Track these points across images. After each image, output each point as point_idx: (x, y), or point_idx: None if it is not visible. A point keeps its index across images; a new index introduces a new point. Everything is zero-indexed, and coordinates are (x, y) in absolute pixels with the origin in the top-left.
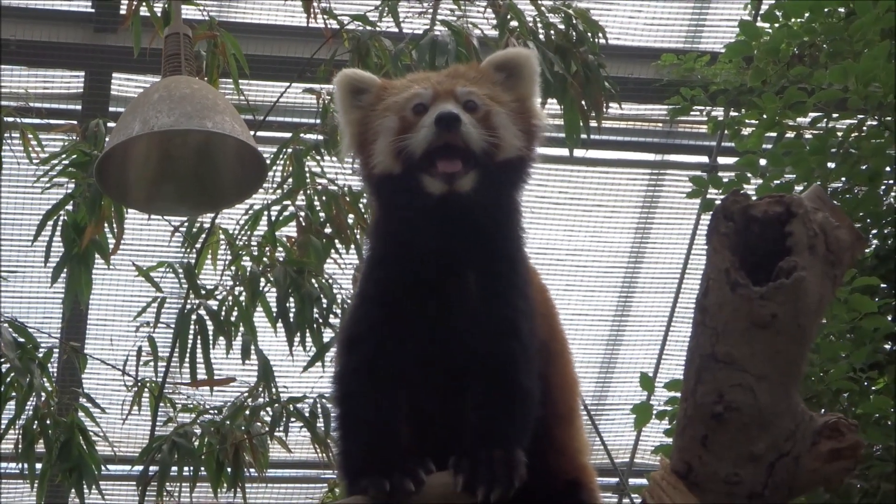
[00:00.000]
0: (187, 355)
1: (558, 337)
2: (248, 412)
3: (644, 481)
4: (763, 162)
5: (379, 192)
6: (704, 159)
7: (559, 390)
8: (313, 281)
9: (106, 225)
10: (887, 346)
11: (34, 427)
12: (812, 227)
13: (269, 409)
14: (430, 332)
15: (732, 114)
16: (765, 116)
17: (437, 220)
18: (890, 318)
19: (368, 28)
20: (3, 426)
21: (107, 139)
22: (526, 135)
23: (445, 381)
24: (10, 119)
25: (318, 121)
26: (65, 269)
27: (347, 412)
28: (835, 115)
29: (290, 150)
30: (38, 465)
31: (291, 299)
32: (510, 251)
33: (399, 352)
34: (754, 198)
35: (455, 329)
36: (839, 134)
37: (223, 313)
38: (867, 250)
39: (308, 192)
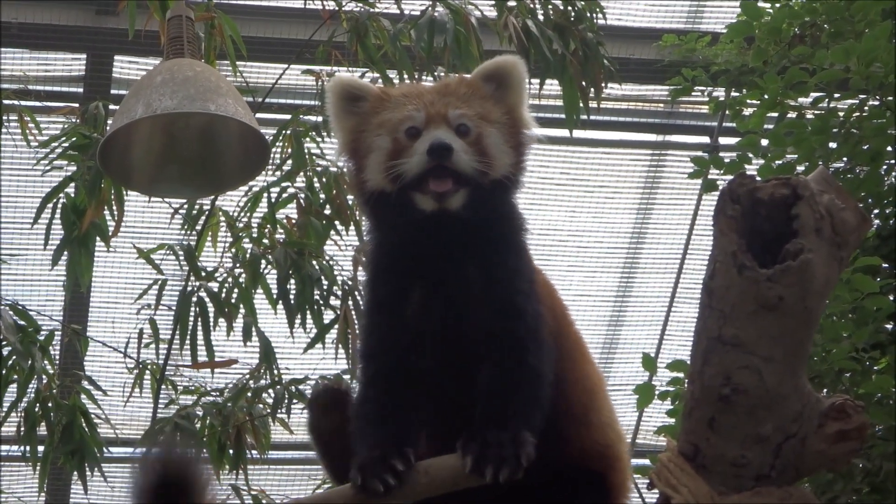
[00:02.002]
0: (188, 337)
1: (568, 334)
2: (249, 394)
3: (647, 462)
4: (765, 142)
5: (371, 206)
6: (706, 140)
7: (572, 389)
8: (314, 262)
9: (106, 207)
10: (889, 326)
11: (36, 410)
12: (818, 210)
13: (270, 390)
14: (439, 326)
15: (734, 94)
16: (766, 97)
17: (429, 233)
18: (892, 298)
19: (366, 8)
20: (4, 409)
21: (108, 122)
22: (516, 149)
23: (458, 371)
24: (11, 102)
25: (317, 102)
26: (65, 252)
27: (361, 416)
28: (836, 96)
29: (289, 132)
30: (41, 448)
31: (292, 280)
32: (508, 245)
33: (412, 354)
34: (759, 180)
35: (461, 318)
36: (841, 114)
37: (224, 295)
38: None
39: (308, 173)
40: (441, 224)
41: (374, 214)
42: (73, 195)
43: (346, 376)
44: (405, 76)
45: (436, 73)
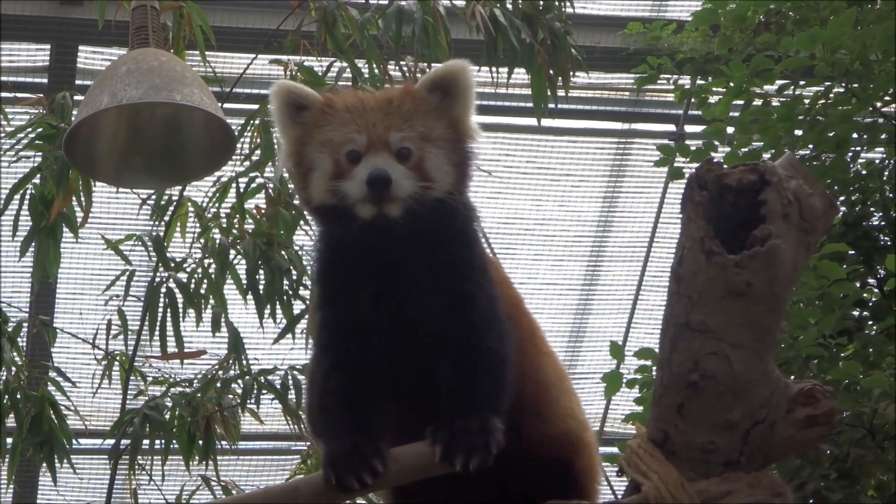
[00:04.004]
0: (157, 328)
1: (520, 324)
2: (219, 384)
3: (615, 450)
4: (730, 130)
5: (315, 215)
6: (672, 128)
7: (523, 381)
8: (283, 253)
9: (74, 198)
10: (856, 313)
11: (4, 401)
12: (786, 195)
13: (240, 381)
14: (390, 319)
15: (699, 82)
16: (732, 84)
17: (372, 237)
18: (858, 285)
19: None
20: None
21: (74, 112)
22: (459, 165)
23: (417, 360)
24: None
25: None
26: (33, 243)
27: (324, 407)
28: (802, 83)
29: (257, 122)
30: (9, 440)
31: (261, 271)
32: (454, 237)
33: (367, 344)
34: (726, 166)
35: (412, 311)
36: (806, 101)
37: (193, 285)
38: None
39: (276, 163)
40: (382, 228)
41: (319, 222)
42: (40, 185)
43: None
44: (374, 65)
45: (403, 63)
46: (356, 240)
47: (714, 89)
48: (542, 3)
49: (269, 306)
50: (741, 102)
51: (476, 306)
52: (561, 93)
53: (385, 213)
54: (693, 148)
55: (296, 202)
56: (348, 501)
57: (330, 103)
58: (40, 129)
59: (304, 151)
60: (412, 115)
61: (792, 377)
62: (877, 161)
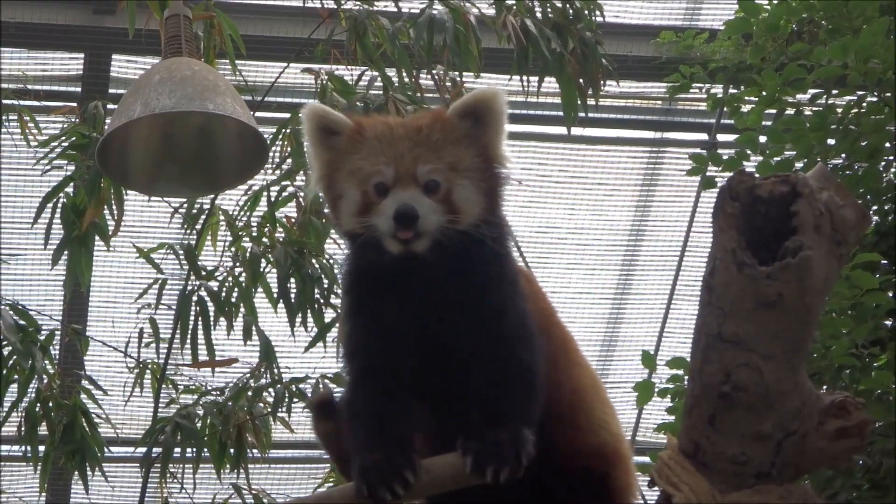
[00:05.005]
0: (189, 336)
1: (553, 336)
2: (250, 393)
3: (646, 459)
4: (763, 139)
5: (344, 237)
6: (704, 136)
7: (556, 392)
8: (314, 261)
9: (105, 207)
10: (888, 323)
11: (37, 410)
12: (818, 207)
13: (271, 389)
14: (419, 329)
15: (732, 91)
16: (764, 93)
17: (401, 269)
18: (891, 295)
19: (365, 7)
20: (5, 409)
21: (106, 121)
22: (489, 192)
23: (446, 369)
24: (10, 102)
25: (317, 101)
26: (65, 252)
27: (354, 417)
28: (834, 92)
29: (288, 131)
30: (41, 448)
31: (292, 280)
32: (485, 257)
33: (395, 355)
34: (758, 177)
35: (442, 323)
36: (839, 110)
37: (224, 294)
38: None
39: (307, 172)
40: (410, 263)
41: (348, 244)
42: (72, 194)
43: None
44: (404, 74)
45: (434, 73)
46: (385, 266)
47: (746, 98)
48: (572, 12)
49: (300, 315)
50: (773, 112)
51: (506, 320)
52: (591, 102)
53: (412, 250)
54: (725, 157)
55: (326, 211)
56: None
57: (360, 130)
58: (73, 139)
59: (333, 178)
60: (441, 144)
61: (824, 387)
62: None
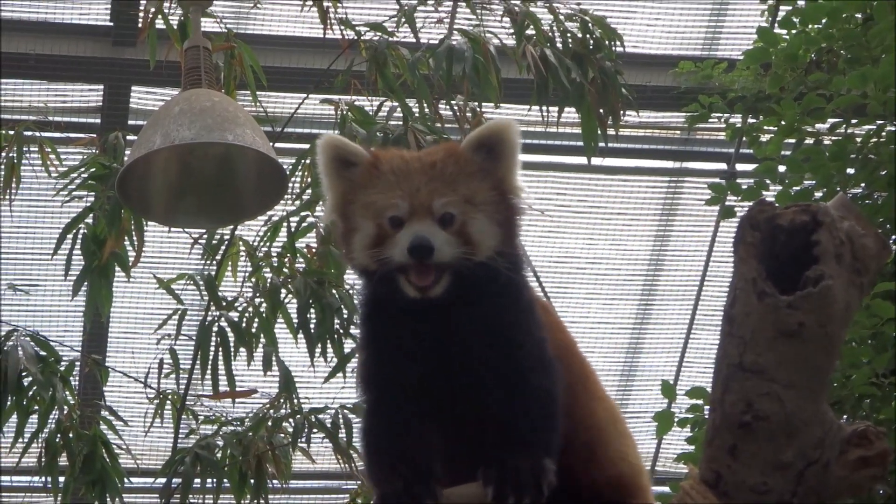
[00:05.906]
0: (209, 367)
1: (571, 368)
2: (270, 423)
3: (666, 489)
4: (782, 168)
5: (357, 272)
6: (723, 166)
7: (574, 425)
8: (334, 291)
9: (126, 237)
10: None
11: (57, 440)
12: (838, 236)
13: (291, 419)
14: (436, 360)
15: (751, 121)
16: (783, 123)
17: (416, 310)
18: None
19: (385, 37)
20: (25, 440)
21: (126, 152)
22: (505, 224)
23: (464, 398)
24: (30, 133)
25: (337, 132)
26: (85, 282)
27: (371, 447)
28: (853, 121)
29: (308, 161)
30: (62, 479)
31: (312, 310)
32: (502, 290)
33: (411, 384)
34: (778, 207)
35: (459, 353)
36: (858, 140)
37: (244, 324)
38: None
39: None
40: (426, 306)
41: (361, 279)
42: (93, 225)
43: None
44: (424, 105)
45: (454, 102)
46: (400, 306)
47: (765, 128)
48: (592, 42)
49: (319, 345)
50: (793, 141)
51: (524, 350)
52: (611, 132)
53: (429, 297)
54: (745, 187)
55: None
56: None
57: (376, 163)
58: (93, 169)
59: (348, 210)
60: (456, 177)
61: (845, 416)
62: None
